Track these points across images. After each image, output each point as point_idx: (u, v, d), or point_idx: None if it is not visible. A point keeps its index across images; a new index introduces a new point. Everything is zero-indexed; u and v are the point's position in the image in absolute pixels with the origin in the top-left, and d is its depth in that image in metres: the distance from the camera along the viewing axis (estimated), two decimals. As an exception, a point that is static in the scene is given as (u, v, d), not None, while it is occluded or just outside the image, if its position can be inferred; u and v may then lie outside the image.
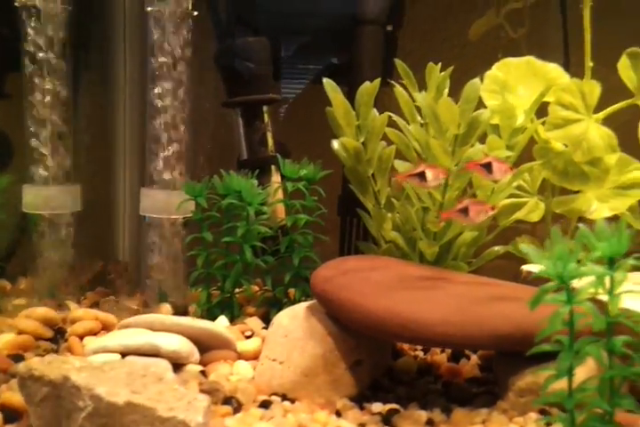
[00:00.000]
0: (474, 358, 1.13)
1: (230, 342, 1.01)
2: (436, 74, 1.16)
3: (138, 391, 0.76)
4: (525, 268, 1.08)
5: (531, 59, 1.26)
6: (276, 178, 1.26)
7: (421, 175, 0.97)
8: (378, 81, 1.09)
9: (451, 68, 1.14)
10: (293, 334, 0.94)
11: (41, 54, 1.22)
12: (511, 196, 1.27)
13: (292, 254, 1.20)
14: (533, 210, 1.25)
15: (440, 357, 1.13)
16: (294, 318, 0.96)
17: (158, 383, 0.79)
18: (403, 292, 0.88)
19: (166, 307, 1.21)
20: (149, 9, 1.21)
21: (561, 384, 0.76)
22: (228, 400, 0.84)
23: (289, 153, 1.34)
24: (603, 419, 0.75)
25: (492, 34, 1.64)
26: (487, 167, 0.98)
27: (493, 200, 1.18)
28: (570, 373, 0.73)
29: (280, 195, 1.26)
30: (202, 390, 0.84)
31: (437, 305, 0.84)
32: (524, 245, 0.68)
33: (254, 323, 1.17)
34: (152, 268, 1.26)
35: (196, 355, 0.97)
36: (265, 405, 0.85)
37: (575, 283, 0.72)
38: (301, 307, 0.99)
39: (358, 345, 0.93)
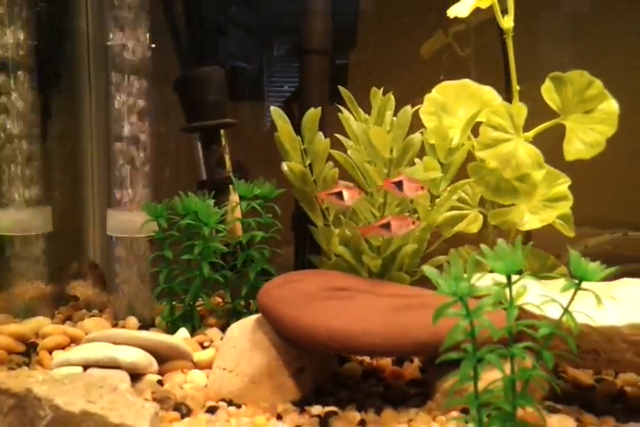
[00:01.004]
0: (417, 361, 1.23)
1: (187, 352, 1.10)
2: (379, 98, 1.26)
3: (93, 401, 0.85)
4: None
5: (467, 81, 1.36)
6: (234, 197, 1.35)
7: (339, 194, 1.06)
8: (319, 109, 1.19)
9: (391, 93, 1.24)
10: (242, 344, 1.03)
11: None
12: (454, 209, 1.37)
13: (248, 269, 1.30)
14: (473, 222, 1.34)
15: (385, 361, 1.22)
16: (243, 330, 1.06)
17: (112, 393, 0.88)
18: (334, 304, 0.97)
19: (133, 320, 1.31)
20: (109, 44, 1.31)
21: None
22: (178, 407, 0.93)
23: (247, 173, 1.44)
24: (507, 417, 0.84)
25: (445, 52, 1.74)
26: (399, 185, 1.07)
27: (435, 213, 1.28)
28: (475, 377, 0.83)
29: (238, 213, 1.35)
30: (154, 399, 0.93)
31: (364, 316, 0.93)
32: (427, 267, 0.77)
33: (214, 334, 1.27)
34: (120, 283, 1.36)
35: (155, 366, 1.06)
36: (212, 410, 0.94)
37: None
38: (251, 320, 1.08)
39: (301, 354, 1.02)
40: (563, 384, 1.19)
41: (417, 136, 1.17)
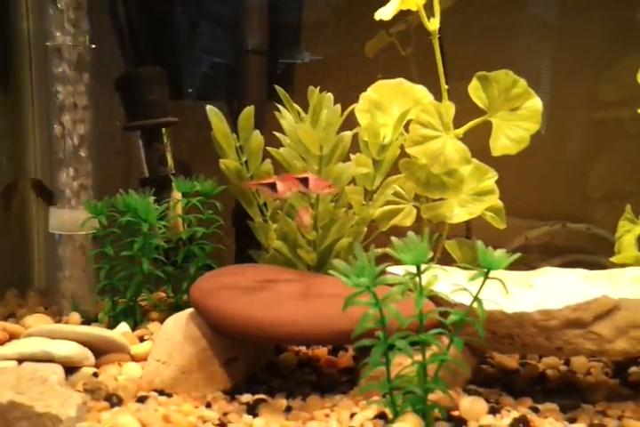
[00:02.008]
0: (351, 350, 1.27)
1: (123, 346, 1.13)
2: (315, 96, 1.29)
3: (21, 392, 0.88)
4: (389, 269, 1.22)
5: (401, 80, 1.40)
6: (175, 194, 1.38)
7: (272, 186, 1.09)
8: (252, 107, 1.22)
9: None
10: (175, 336, 1.07)
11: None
12: (391, 203, 1.42)
13: (190, 264, 1.34)
14: (407, 215, 1.40)
15: (321, 350, 1.27)
16: (177, 323, 1.09)
17: (42, 385, 0.91)
18: (262, 296, 1.02)
19: (76, 315, 1.33)
20: (49, 44, 1.32)
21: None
22: (108, 397, 0.97)
23: (190, 170, 1.47)
24: (418, 400, 0.89)
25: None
26: (305, 182, 1.09)
27: (369, 208, 1.33)
28: (387, 363, 0.87)
29: (180, 209, 1.38)
30: (85, 390, 0.96)
31: (289, 307, 0.98)
32: (336, 260, 0.82)
33: (156, 328, 1.30)
34: (64, 280, 1.38)
35: (91, 359, 1.09)
36: (142, 400, 0.98)
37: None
38: (186, 313, 1.11)
39: (232, 345, 1.06)
40: (489, 369, 1.25)
41: (347, 134, 1.21)
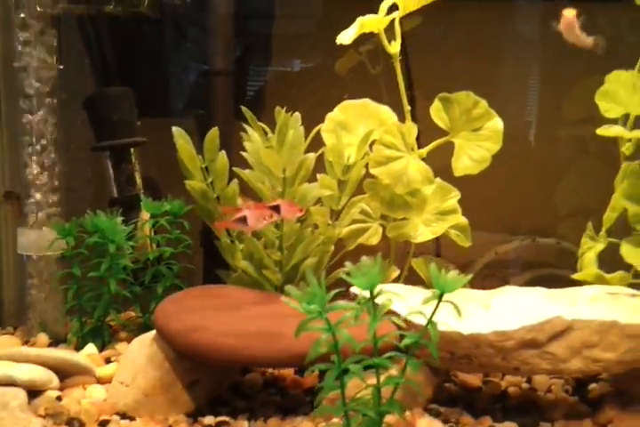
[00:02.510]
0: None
1: (88, 368, 1.14)
2: (281, 117, 1.31)
3: (-19, 419, 0.89)
4: (352, 290, 1.24)
5: (367, 101, 1.42)
6: (144, 214, 1.39)
7: (243, 219, 1.11)
8: (217, 129, 1.24)
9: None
10: (138, 359, 1.08)
11: None
12: (358, 222, 1.44)
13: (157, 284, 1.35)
14: (374, 234, 1.42)
15: (287, 370, 1.28)
16: (141, 345, 1.10)
17: (3, 411, 0.92)
18: (222, 319, 1.03)
19: (44, 336, 1.33)
20: (16, 65, 1.33)
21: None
22: (70, 421, 0.98)
23: (159, 189, 1.48)
24: (374, 423, 0.91)
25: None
26: (276, 209, 1.12)
27: (334, 227, 1.35)
28: (342, 386, 0.89)
29: (148, 230, 1.39)
30: (47, 414, 0.97)
31: (248, 330, 0.99)
32: (288, 287, 0.83)
33: (123, 348, 1.30)
34: (32, 301, 1.38)
35: (55, 382, 1.10)
36: (103, 424, 0.99)
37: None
38: (150, 335, 1.12)
39: (195, 367, 1.07)
40: (452, 387, 1.27)
41: (310, 155, 1.23)
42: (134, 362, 1.07)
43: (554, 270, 1.85)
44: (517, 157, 1.80)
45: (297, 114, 1.35)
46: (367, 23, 1.23)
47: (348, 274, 0.91)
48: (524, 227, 1.87)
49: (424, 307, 0.96)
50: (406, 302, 1.08)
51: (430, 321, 0.94)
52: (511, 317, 1.08)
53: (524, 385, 1.28)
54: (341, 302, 0.87)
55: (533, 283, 1.91)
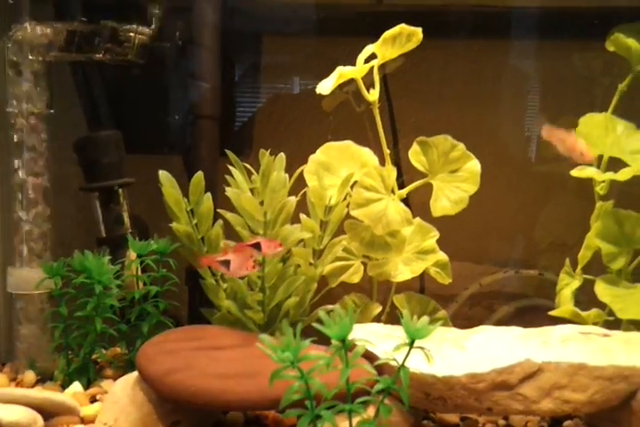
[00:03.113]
0: (298, 407, 1.31)
1: (73, 408, 1.16)
2: (265, 159, 1.36)
3: (-36, 464, 0.91)
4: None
5: (349, 143, 1.47)
6: (132, 253, 1.43)
7: (226, 263, 1.15)
8: (201, 173, 1.29)
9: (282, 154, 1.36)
10: (121, 400, 1.11)
11: None
12: (342, 259, 1.48)
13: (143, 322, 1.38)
14: (356, 272, 1.45)
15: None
16: (125, 386, 1.13)
17: (-14, 455, 0.94)
18: (200, 362, 1.06)
19: (31, 374, 1.36)
20: (9, 110, 1.38)
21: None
22: (52, 464, 1.00)
23: (147, 227, 1.52)
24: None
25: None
26: (257, 246, 1.16)
27: (321, 265, 1.38)
28: (315, 431, 0.92)
29: (134, 269, 1.43)
30: (30, 457, 0.99)
31: (226, 374, 1.02)
32: (263, 336, 0.86)
33: (109, 385, 1.33)
34: (21, 338, 1.41)
35: (40, 422, 1.12)
36: (85, 466, 1.01)
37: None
38: (133, 375, 1.15)
39: (176, 408, 1.10)
40: (431, 424, 1.30)
41: (291, 199, 1.27)
42: (117, 403, 1.10)
43: (537, 301, 1.89)
44: (501, 193, 1.85)
45: (281, 155, 1.40)
46: (346, 73, 1.28)
47: (320, 322, 0.96)
48: (507, 259, 1.91)
49: (400, 351, 1.00)
50: (385, 344, 1.11)
51: (402, 367, 0.98)
52: (484, 358, 1.11)
53: (501, 422, 1.30)
54: (313, 352, 0.90)
55: (518, 313, 1.96)
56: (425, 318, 0.99)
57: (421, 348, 0.96)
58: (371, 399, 0.96)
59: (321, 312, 0.94)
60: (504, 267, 1.90)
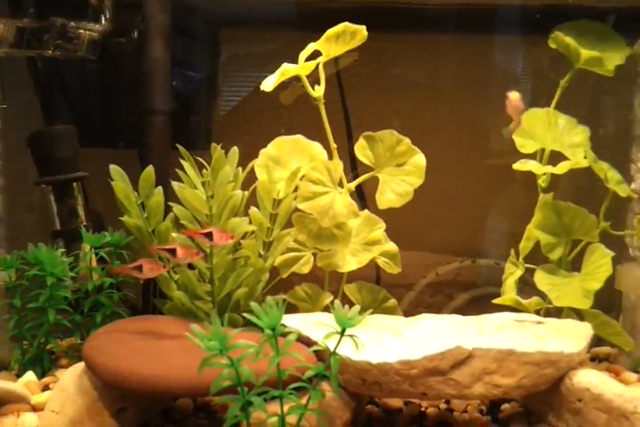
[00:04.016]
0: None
1: (24, 396, 1.20)
2: (216, 154, 1.39)
3: None
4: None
5: (300, 137, 1.50)
6: (86, 245, 1.46)
7: (173, 251, 1.20)
8: (152, 168, 1.32)
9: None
10: (68, 388, 1.14)
11: None
12: (293, 251, 1.51)
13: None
14: (306, 263, 1.49)
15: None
16: (72, 375, 1.17)
17: None
18: (146, 352, 1.10)
19: (-13, 364, 1.40)
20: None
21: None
22: (-2, 451, 1.04)
23: (103, 220, 1.55)
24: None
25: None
26: (209, 236, 1.20)
27: (271, 257, 1.42)
28: (247, 417, 0.96)
29: (93, 260, 1.46)
30: (-24, 444, 1.03)
31: (171, 362, 1.06)
32: (194, 325, 0.90)
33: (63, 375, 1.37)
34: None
35: (-10, 410, 1.16)
36: (31, 451, 1.05)
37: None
38: (82, 364, 1.19)
39: (122, 395, 1.14)
40: (374, 409, 1.35)
41: (237, 193, 1.31)
42: (64, 391, 1.13)
43: (493, 289, 1.94)
44: (457, 185, 1.89)
45: (235, 149, 1.43)
46: (289, 70, 1.32)
47: (251, 313, 1.00)
48: (466, 247, 1.96)
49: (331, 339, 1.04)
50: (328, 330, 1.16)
51: (333, 354, 1.03)
52: (419, 346, 1.16)
53: (443, 406, 1.36)
54: (243, 342, 0.94)
55: (474, 301, 2.01)
56: (356, 308, 1.04)
57: (351, 336, 1.01)
58: (307, 386, 1.01)
59: (252, 303, 0.99)
60: (462, 256, 1.97)
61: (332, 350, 1.01)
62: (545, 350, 1.15)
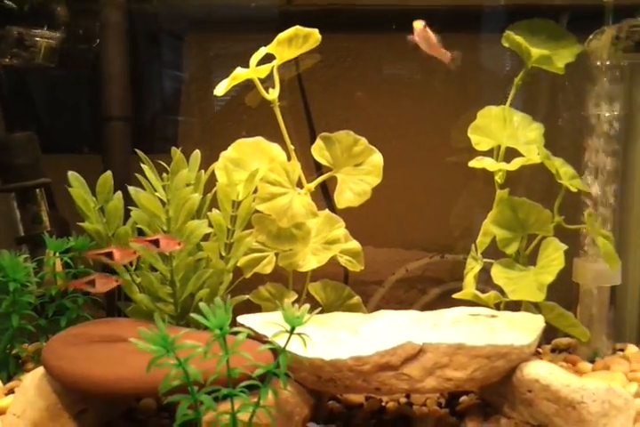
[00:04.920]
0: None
1: (-14, 400, 1.22)
2: (175, 157, 1.41)
3: None
4: (239, 319, 1.34)
5: (260, 139, 1.52)
6: (50, 251, 1.48)
7: (109, 255, 1.22)
8: (109, 173, 1.34)
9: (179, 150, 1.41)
10: (29, 391, 1.16)
11: None
12: (256, 251, 1.54)
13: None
14: (269, 263, 1.51)
15: (182, 395, 1.38)
16: (33, 378, 1.18)
17: None
18: (103, 355, 1.12)
19: (-46, 369, 1.41)
20: None
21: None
22: (-41, 454, 1.06)
23: (68, 227, 1.57)
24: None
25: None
26: (156, 243, 1.23)
27: (233, 258, 1.44)
28: (197, 415, 0.99)
29: (57, 265, 1.48)
30: None
31: (126, 363, 1.08)
32: (141, 329, 0.92)
33: (30, 378, 1.39)
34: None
35: (-47, 415, 1.18)
36: (-9, 455, 1.07)
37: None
38: (42, 368, 1.21)
39: (82, 397, 1.16)
40: (336, 404, 1.37)
41: (194, 196, 1.33)
42: (25, 394, 1.15)
43: (462, 284, 1.98)
44: (426, 182, 1.92)
45: (196, 152, 1.45)
46: (240, 75, 1.34)
47: (200, 314, 1.02)
48: (434, 245, 1.99)
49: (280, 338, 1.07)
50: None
51: (282, 351, 1.05)
52: (372, 342, 1.19)
53: (403, 400, 1.39)
54: (189, 342, 0.97)
55: (443, 296, 2.04)
56: (305, 306, 1.07)
57: (299, 334, 1.04)
58: (257, 384, 1.03)
59: (201, 304, 1.01)
60: (431, 252, 2.00)
61: (282, 347, 1.04)
62: (495, 343, 1.18)
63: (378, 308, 1.92)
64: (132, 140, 1.59)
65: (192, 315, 0.97)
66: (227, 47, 1.85)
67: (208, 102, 1.91)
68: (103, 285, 1.22)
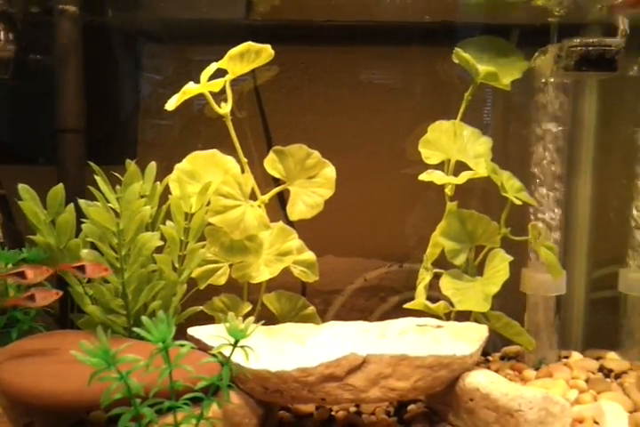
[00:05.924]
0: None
1: None
2: (129, 170, 1.42)
3: None
4: (189, 331, 1.35)
5: (215, 151, 1.53)
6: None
7: (21, 274, 1.23)
8: (61, 186, 1.34)
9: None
10: (-25, 405, 1.17)
11: None
12: (211, 262, 1.55)
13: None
14: (223, 274, 1.53)
15: (134, 406, 1.39)
16: (-20, 392, 1.19)
17: None
18: (49, 368, 1.13)
19: None
20: None
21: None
22: None
23: (22, 239, 1.57)
24: (174, 457, 1.02)
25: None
26: (81, 269, 1.25)
27: (187, 269, 1.45)
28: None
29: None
30: None
31: (74, 377, 1.08)
32: (84, 342, 0.94)
33: (-21, 391, 1.38)
34: None
35: None
36: None
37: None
38: (-10, 381, 1.21)
39: (28, 410, 1.16)
40: (286, 414, 1.39)
41: (145, 208, 1.34)
42: (-29, 408, 1.16)
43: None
44: (386, 194, 1.95)
45: (152, 164, 1.47)
46: (191, 90, 1.36)
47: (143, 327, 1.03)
48: (393, 254, 2.02)
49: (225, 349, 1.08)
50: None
51: (225, 364, 1.07)
52: (318, 353, 1.21)
53: (352, 409, 1.41)
54: (130, 356, 0.98)
55: (401, 304, 2.08)
56: (250, 319, 1.09)
57: (242, 347, 1.06)
58: (201, 396, 1.05)
59: (143, 317, 1.02)
60: (390, 261, 2.03)
61: (226, 360, 1.06)
62: (438, 354, 1.21)
63: (338, 316, 1.96)
64: (90, 152, 1.61)
65: (135, 329, 0.99)
66: (184, 60, 1.87)
67: (167, 114, 1.93)
68: (43, 298, 1.22)
